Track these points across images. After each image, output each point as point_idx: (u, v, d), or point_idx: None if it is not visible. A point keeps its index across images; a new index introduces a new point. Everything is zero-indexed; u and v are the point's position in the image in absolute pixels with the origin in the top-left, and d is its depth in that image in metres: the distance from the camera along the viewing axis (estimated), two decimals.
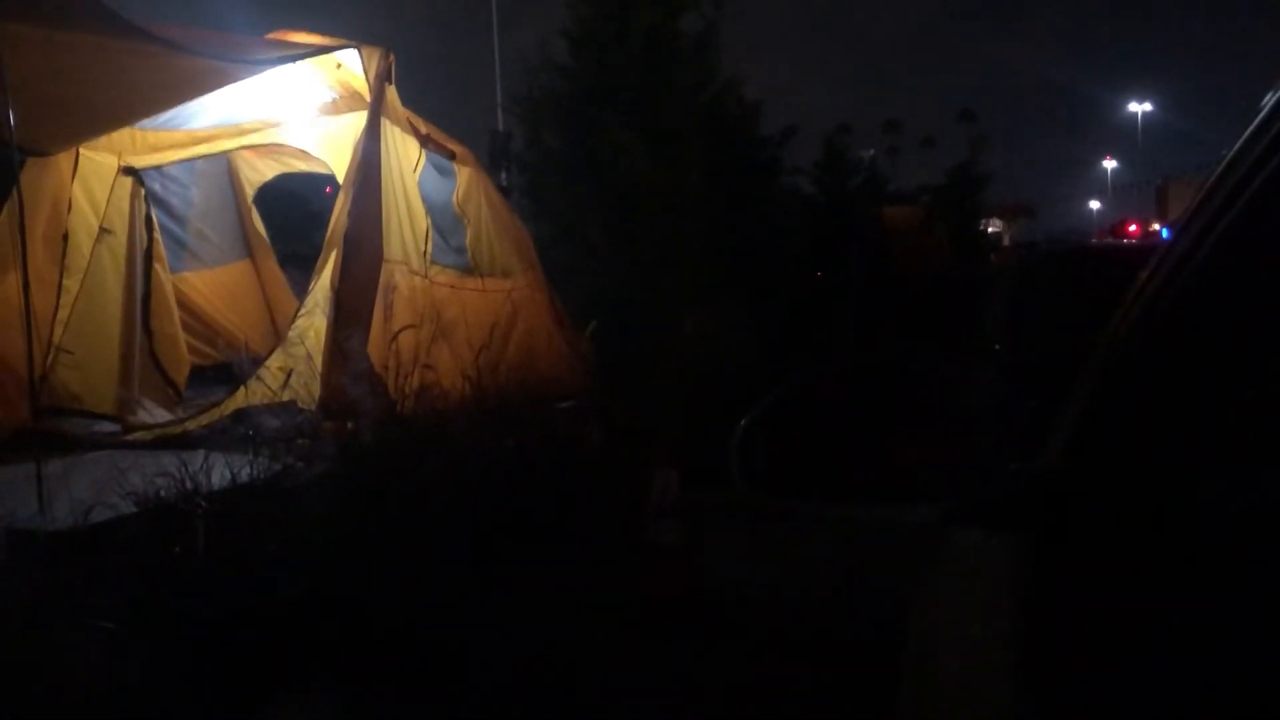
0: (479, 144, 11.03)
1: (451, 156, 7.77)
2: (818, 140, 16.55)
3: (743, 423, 1.47)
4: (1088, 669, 1.02)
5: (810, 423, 1.52)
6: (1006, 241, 24.29)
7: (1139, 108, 48.82)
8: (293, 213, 11.23)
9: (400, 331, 6.23)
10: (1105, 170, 51.99)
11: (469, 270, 7.65)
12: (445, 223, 7.54)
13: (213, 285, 8.80)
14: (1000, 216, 25.93)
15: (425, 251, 7.13)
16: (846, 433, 1.49)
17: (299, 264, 8.77)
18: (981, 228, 20.83)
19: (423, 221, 7.17)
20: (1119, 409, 1.14)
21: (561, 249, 10.09)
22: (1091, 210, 48.97)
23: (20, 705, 3.45)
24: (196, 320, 8.40)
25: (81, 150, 7.20)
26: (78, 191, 7.22)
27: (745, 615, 4.86)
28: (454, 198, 7.78)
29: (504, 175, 13.20)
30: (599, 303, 9.34)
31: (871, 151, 19.50)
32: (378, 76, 6.73)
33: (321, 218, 7.21)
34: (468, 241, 7.76)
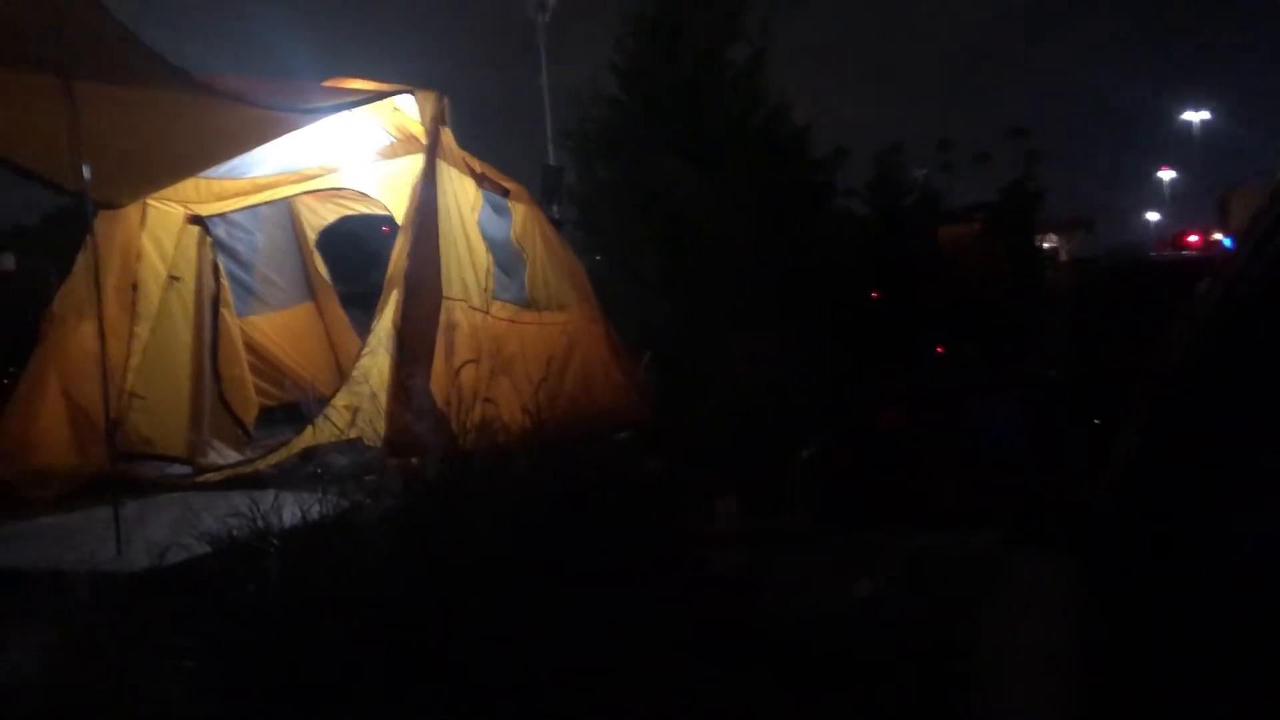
0: (531, 179, 11.18)
1: (506, 194, 7.89)
2: (869, 160, 16.47)
3: (804, 453, 1.49)
4: (1140, 684, 1.03)
5: (871, 452, 1.54)
6: (1064, 257, 23.89)
7: (1196, 116, 47.89)
8: (353, 254, 11.43)
9: (462, 367, 6.32)
10: (1162, 181, 50.98)
11: (527, 305, 7.75)
12: (506, 258, 7.65)
13: (278, 328, 8.98)
14: (1057, 231, 25.50)
15: (487, 288, 7.24)
16: (907, 461, 1.51)
17: (361, 304, 8.91)
18: (1038, 243, 20.51)
19: (484, 259, 7.29)
20: (1171, 436, 1.15)
21: (615, 279, 10.17)
22: (1150, 222, 48.05)
23: None
24: (263, 362, 8.57)
25: (149, 201, 7.42)
26: (146, 241, 7.44)
27: (807, 642, 4.83)
28: (512, 233, 7.90)
29: (556, 209, 13.34)
30: (654, 332, 9.39)
31: (924, 170, 19.33)
32: (433, 119, 6.87)
33: (381, 258, 7.35)
34: (525, 276, 7.87)
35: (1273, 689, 0.96)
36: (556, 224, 10.99)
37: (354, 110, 6.75)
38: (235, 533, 4.67)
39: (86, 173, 5.15)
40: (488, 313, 7.13)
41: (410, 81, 7.07)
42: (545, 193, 13.76)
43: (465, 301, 6.86)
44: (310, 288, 9.38)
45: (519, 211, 8.01)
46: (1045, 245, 22.68)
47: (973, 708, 1.61)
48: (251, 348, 8.44)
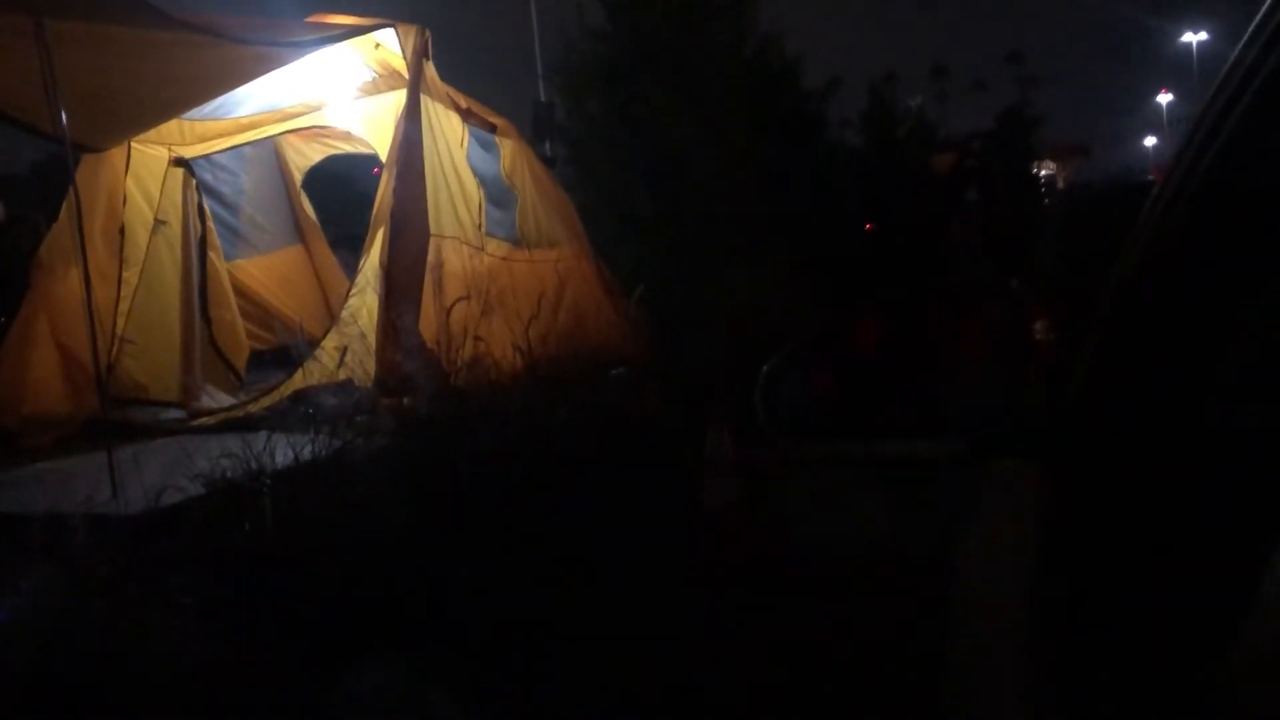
0: (521, 115, 11.06)
1: (493, 129, 7.81)
2: (864, 90, 16.28)
3: (765, 368, 1.50)
4: (1093, 576, 1.05)
5: (834, 364, 1.55)
6: (1061, 183, 23.72)
7: (1193, 37, 47.24)
8: (341, 195, 11.37)
9: (454, 305, 6.30)
10: (1161, 105, 50.40)
11: (518, 242, 7.71)
12: (496, 194, 7.60)
13: (267, 270, 8.95)
14: (1054, 158, 25.28)
15: (480, 224, 7.20)
16: (872, 373, 1.51)
17: (350, 245, 8.88)
18: (1036, 170, 20.38)
19: (475, 195, 7.23)
20: (1128, 343, 1.16)
21: (607, 216, 10.10)
22: (1148, 147, 47.62)
23: (105, 680, 3.59)
24: (253, 305, 8.56)
25: (133, 144, 7.35)
26: (131, 185, 7.38)
27: (809, 569, 4.88)
28: (501, 169, 7.84)
29: (549, 146, 13.21)
30: (647, 268, 9.36)
31: (919, 99, 19.12)
32: (415, 54, 6.78)
33: (369, 198, 7.32)
34: (515, 213, 7.83)
35: (1211, 562, 0.98)
36: (549, 162, 10.90)
37: (335, 46, 6.66)
38: (229, 474, 4.70)
39: (63, 117, 5.09)
40: (482, 249, 7.09)
41: (394, 16, 6.97)
42: (536, 130, 13.64)
43: (458, 239, 6.82)
44: (298, 229, 9.34)
45: (507, 147, 7.93)
46: (1043, 172, 22.55)
47: (954, 619, 1.63)
48: (241, 291, 8.42)
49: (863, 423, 1.47)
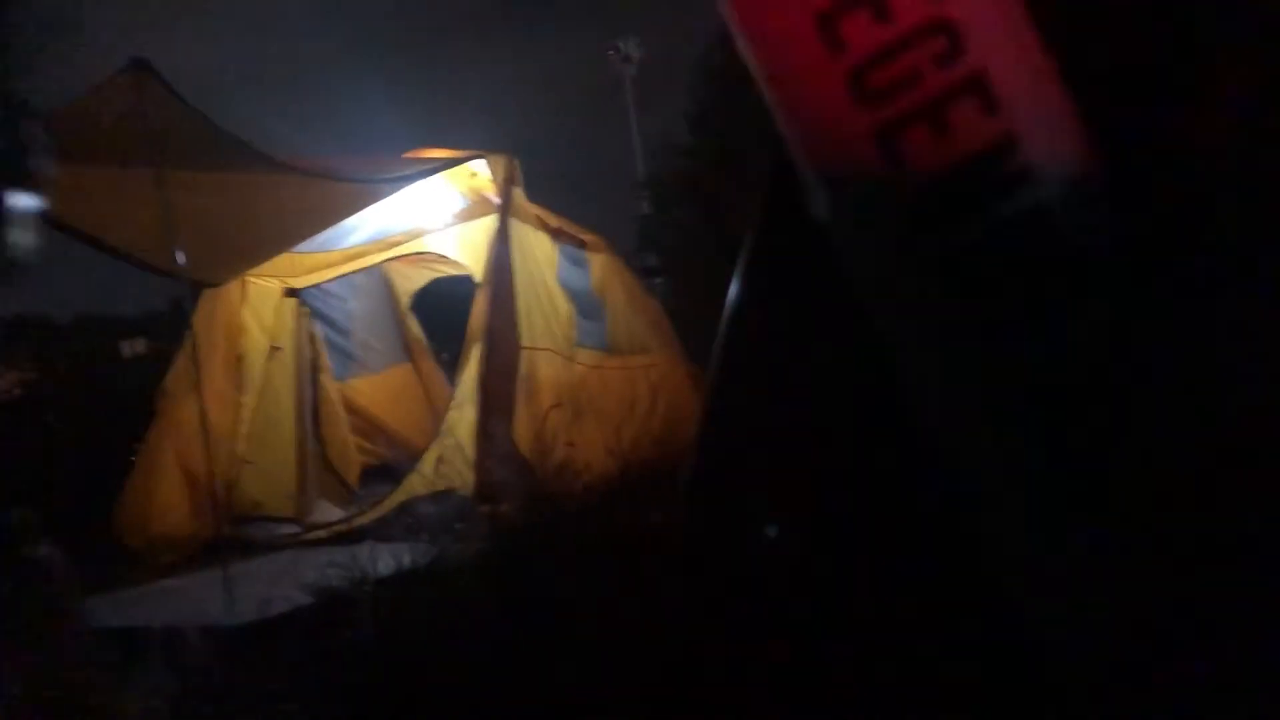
0: (611, 226, 11.42)
1: (583, 245, 8.14)
2: None
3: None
4: None
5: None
6: None
7: None
8: (448, 315, 11.81)
9: (549, 412, 6.53)
10: None
11: (609, 350, 7.95)
12: (587, 306, 7.89)
13: (378, 389, 9.35)
14: None
15: (570, 336, 7.48)
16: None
17: (456, 363, 9.22)
18: None
19: (565, 308, 7.53)
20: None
21: (702, 323, 10.26)
22: None
23: None
24: (364, 422, 8.94)
25: (248, 278, 7.86)
26: (248, 316, 7.88)
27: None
28: (592, 282, 8.13)
29: (654, 257, 13.51)
30: None
31: None
32: (505, 181, 7.18)
33: None
34: (607, 322, 8.08)
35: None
36: (654, 270, 11.18)
37: (432, 177, 7.10)
38: (334, 583, 4.93)
39: (181, 258, 5.53)
40: (573, 359, 7.34)
41: (498, 145, 7.44)
42: (643, 241, 13.99)
43: (550, 350, 7.09)
44: (407, 349, 9.73)
45: (597, 261, 8.24)
46: None
47: None
48: (353, 409, 8.81)
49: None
